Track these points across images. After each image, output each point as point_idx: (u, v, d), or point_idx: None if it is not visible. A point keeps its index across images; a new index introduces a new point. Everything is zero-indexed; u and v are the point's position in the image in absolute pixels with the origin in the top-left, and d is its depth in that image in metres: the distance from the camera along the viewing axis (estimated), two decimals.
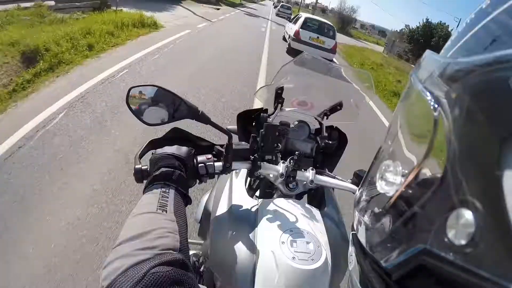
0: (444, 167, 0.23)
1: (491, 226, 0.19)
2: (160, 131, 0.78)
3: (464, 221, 0.20)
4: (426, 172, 0.25)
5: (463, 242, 0.20)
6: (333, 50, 9.73)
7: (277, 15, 25.84)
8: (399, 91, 8.36)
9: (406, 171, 0.28)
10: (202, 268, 0.98)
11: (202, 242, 0.99)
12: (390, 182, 0.30)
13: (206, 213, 0.93)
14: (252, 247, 0.65)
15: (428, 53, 0.33)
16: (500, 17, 0.24)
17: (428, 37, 23.29)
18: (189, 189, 0.65)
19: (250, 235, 0.68)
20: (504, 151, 0.19)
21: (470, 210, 0.20)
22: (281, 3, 32.18)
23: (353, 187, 0.82)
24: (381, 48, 27.45)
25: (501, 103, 0.20)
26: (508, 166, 0.18)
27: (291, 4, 45.85)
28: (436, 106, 0.26)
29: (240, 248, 0.66)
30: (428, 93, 0.27)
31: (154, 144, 0.75)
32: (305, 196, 0.95)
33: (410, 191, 0.27)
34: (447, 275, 0.21)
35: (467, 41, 0.27)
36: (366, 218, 0.34)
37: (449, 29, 23.76)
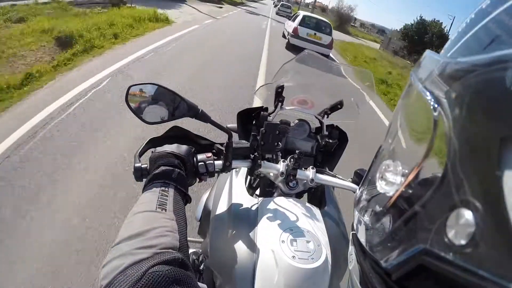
0: (444, 167, 0.23)
1: (491, 226, 0.19)
2: (160, 129, 0.78)
3: (464, 221, 0.20)
4: (426, 172, 0.25)
5: (463, 242, 0.20)
6: (329, 46, 10.24)
7: (277, 13, 26.28)
8: (387, 79, 9.70)
9: (406, 171, 0.28)
10: (201, 267, 0.99)
11: (202, 240, 0.99)
12: (390, 182, 0.30)
13: (206, 212, 0.93)
14: (252, 246, 0.65)
15: (428, 52, 0.33)
16: (500, 17, 0.24)
17: (422, 34, 23.21)
18: (189, 187, 0.65)
19: (250, 233, 0.68)
20: (504, 151, 0.19)
21: (470, 210, 0.20)
22: (281, 2, 31.72)
23: (354, 186, 0.82)
24: (378, 45, 27.69)
25: (501, 103, 0.20)
26: (508, 166, 0.18)
27: (291, 3, 44.98)
28: (436, 105, 0.25)
29: (240, 247, 0.66)
30: (428, 93, 0.27)
31: (154, 142, 0.75)
32: (305, 195, 0.95)
33: (410, 191, 0.27)
34: (447, 275, 0.21)
35: (467, 41, 0.27)
36: (366, 218, 0.33)
37: (443, 26, 23.53)
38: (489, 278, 0.18)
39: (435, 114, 0.25)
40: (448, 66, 0.27)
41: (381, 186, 0.32)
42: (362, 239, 0.34)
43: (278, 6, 29.43)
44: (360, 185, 0.39)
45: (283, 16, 23.49)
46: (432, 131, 0.25)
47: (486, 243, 0.19)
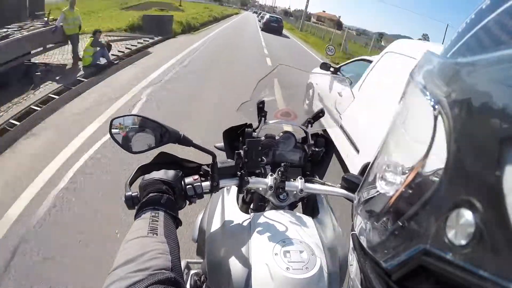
0: (444, 167, 0.23)
1: (491, 226, 0.19)
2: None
3: (464, 221, 0.20)
4: (426, 172, 0.25)
5: (463, 242, 0.20)
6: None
7: (259, 21, 25.02)
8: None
9: (406, 171, 0.28)
10: (203, 287, 0.97)
11: (202, 261, 0.98)
12: (390, 182, 0.30)
13: (202, 232, 0.91)
14: (246, 261, 0.64)
15: (428, 53, 0.33)
16: (500, 17, 0.24)
17: None
18: (180, 210, 0.66)
19: (244, 249, 0.67)
20: (504, 151, 0.19)
21: (470, 210, 0.20)
22: (261, 14, 26.84)
23: (342, 191, 0.83)
24: None
25: (501, 103, 0.20)
26: (508, 166, 0.19)
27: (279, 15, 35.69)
28: (436, 105, 0.26)
29: (235, 264, 0.65)
30: (428, 93, 0.27)
31: (143, 170, 0.75)
32: (300, 205, 0.95)
33: (410, 191, 0.27)
34: (447, 275, 0.21)
35: (467, 41, 0.27)
36: (366, 219, 0.33)
37: None
38: (489, 278, 0.18)
39: (435, 113, 0.25)
40: (448, 66, 0.27)
41: (381, 186, 0.31)
42: (363, 240, 0.33)
43: (260, 16, 30.01)
44: (360, 186, 0.39)
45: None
46: (432, 131, 0.25)
47: (486, 243, 0.19)
